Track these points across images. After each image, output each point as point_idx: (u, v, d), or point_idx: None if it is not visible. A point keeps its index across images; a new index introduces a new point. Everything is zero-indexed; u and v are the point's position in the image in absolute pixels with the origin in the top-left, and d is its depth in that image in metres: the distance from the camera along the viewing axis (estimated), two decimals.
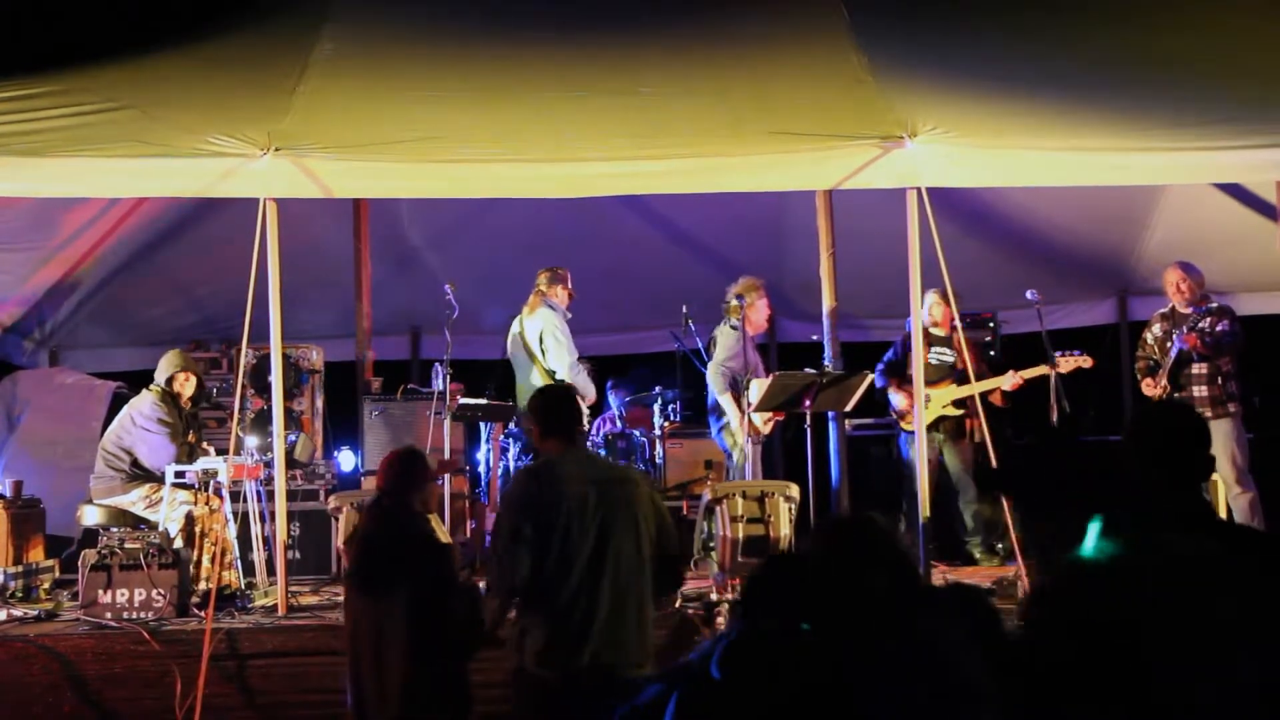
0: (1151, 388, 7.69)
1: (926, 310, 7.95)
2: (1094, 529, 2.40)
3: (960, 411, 7.89)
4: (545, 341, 7.92)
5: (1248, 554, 2.73)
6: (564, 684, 4.05)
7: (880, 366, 8.13)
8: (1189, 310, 7.57)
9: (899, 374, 8.08)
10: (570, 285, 8.12)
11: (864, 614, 2.51)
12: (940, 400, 7.90)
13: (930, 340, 8.00)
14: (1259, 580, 2.52)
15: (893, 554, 2.61)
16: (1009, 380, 7.75)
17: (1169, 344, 7.57)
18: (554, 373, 7.86)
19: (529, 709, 4.15)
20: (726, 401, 7.83)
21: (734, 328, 7.90)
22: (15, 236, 8.78)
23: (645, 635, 4.21)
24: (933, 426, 7.82)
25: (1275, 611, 2.46)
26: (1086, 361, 7.61)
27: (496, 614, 4.22)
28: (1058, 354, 7.58)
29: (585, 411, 8.09)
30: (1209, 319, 7.48)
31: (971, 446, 7.95)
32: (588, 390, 8.00)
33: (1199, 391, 7.48)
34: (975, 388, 7.65)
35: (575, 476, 4.21)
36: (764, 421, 7.79)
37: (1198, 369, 7.50)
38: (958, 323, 7.19)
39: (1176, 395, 7.57)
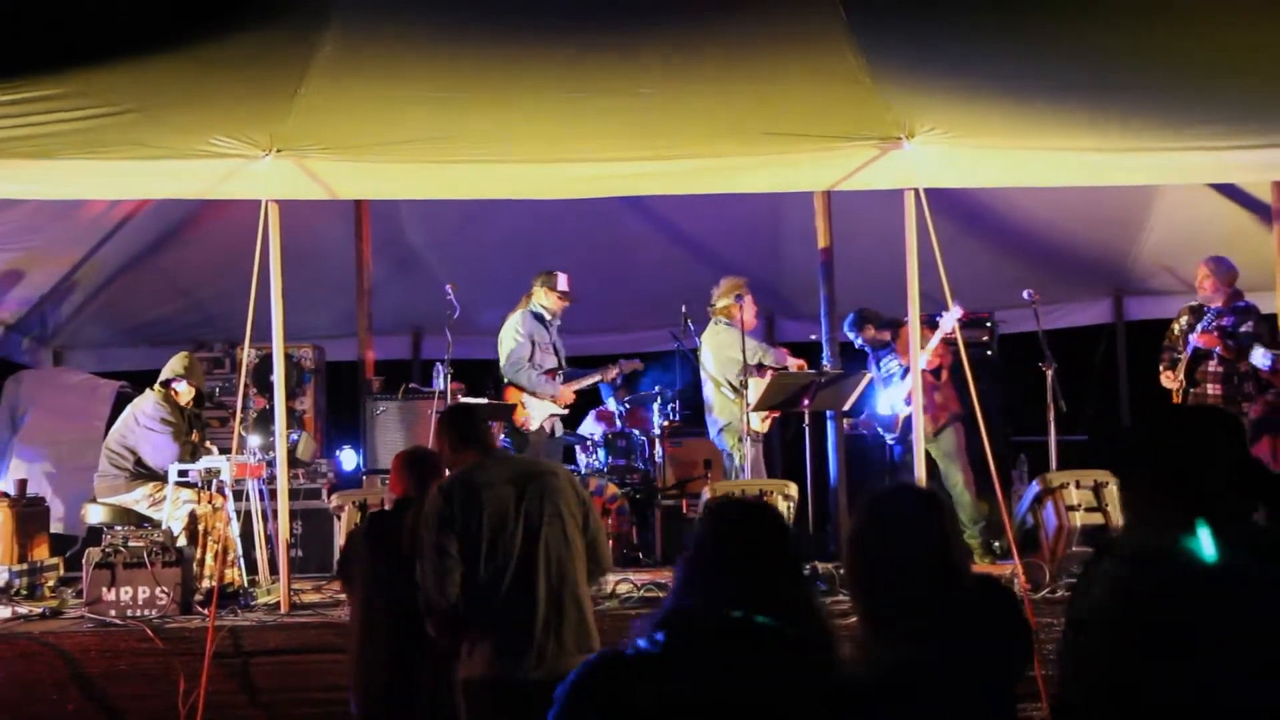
0: (1170, 381, 7.68)
1: (858, 335, 8.02)
2: (1205, 531, 2.31)
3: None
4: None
5: None
6: (514, 687, 4.05)
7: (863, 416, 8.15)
8: (1216, 307, 7.55)
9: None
10: (563, 287, 8.09)
11: (901, 601, 2.44)
12: (899, 403, 7.87)
13: (876, 358, 8.06)
14: None
15: (939, 531, 2.53)
16: (926, 356, 7.55)
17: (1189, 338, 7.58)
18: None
19: (482, 717, 4.14)
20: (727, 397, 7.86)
21: (729, 325, 7.91)
22: (16, 238, 8.79)
23: (586, 621, 4.22)
24: (909, 429, 7.81)
25: None
26: (959, 312, 7.45)
27: (443, 630, 4.20)
28: (938, 315, 7.45)
29: (553, 409, 8.05)
30: (1231, 318, 7.45)
31: (954, 435, 7.92)
32: (535, 387, 7.94)
33: (1212, 389, 7.47)
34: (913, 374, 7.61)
35: (492, 481, 4.22)
36: (762, 420, 7.79)
37: (1214, 366, 7.49)
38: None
39: (1191, 391, 7.57)
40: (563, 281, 8.12)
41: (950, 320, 7.37)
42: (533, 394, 7.97)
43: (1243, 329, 7.44)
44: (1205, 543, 2.31)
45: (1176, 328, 7.84)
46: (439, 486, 4.35)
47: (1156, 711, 2.28)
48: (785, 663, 2.33)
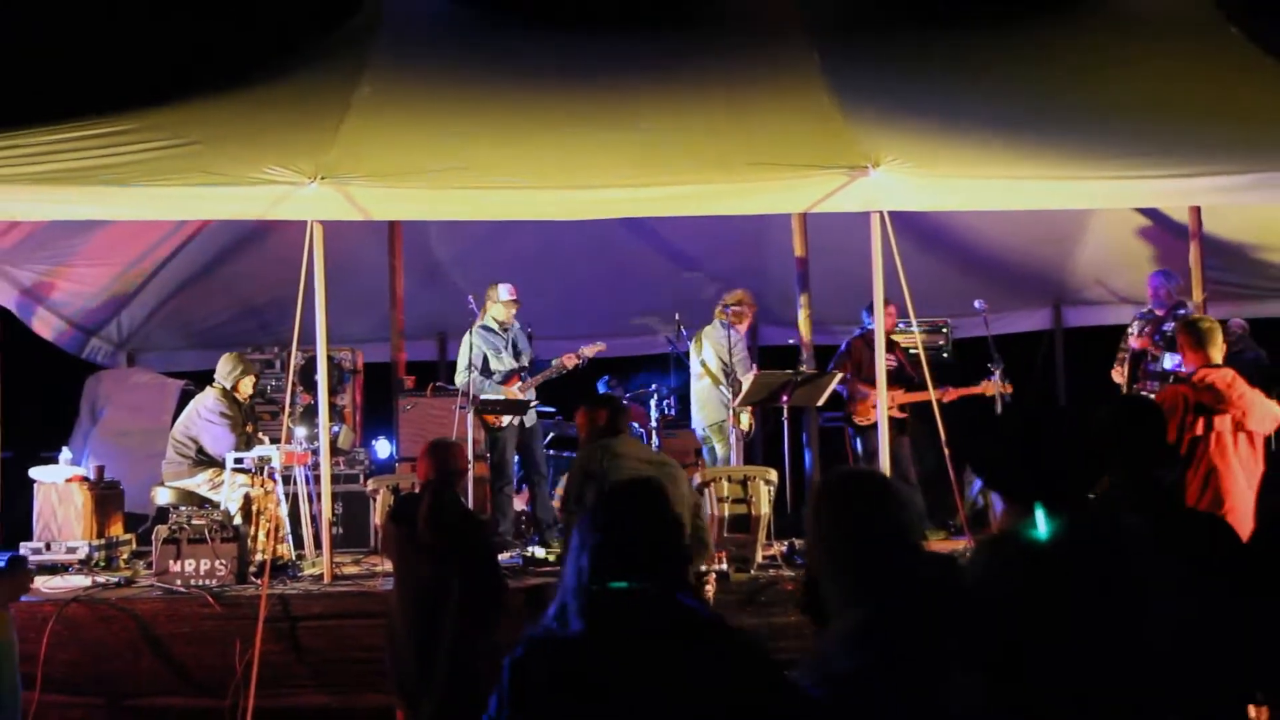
0: (1119, 376, 7.69)
1: (870, 319, 7.93)
2: (1040, 512, 2.36)
3: (904, 415, 7.82)
4: None
5: (1174, 534, 2.72)
6: None
7: (831, 366, 8.00)
8: (1160, 314, 7.56)
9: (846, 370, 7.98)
10: (503, 297, 7.84)
11: (865, 578, 2.42)
12: (889, 401, 7.82)
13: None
14: (1174, 557, 2.50)
15: (895, 513, 2.48)
16: (947, 395, 7.59)
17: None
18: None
19: None
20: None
21: (725, 327, 7.88)
22: (96, 255, 8.81)
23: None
24: (894, 422, 7.81)
25: (1182, 585, 2.45)
26: (1006, 387, 7.59)
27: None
28: (990, 379, 7.56)
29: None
30: (1171, 324, 7.45)
31: (909, 442, 7.90)
32: (479, 391, 7.68)
33: (1151, 385, 7.47)
34: (920, 396, 7.62)
35: (630, 454, 4.39)
36: (749, 419, 7.78)
37: (1153, 366, 7.49)
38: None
39: (1134, 386, 7.57)
40: (503, 292, 7.87)
41: (994, 388, 7.51)
42: (474, 395, 7.69)
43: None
44: (1040, 524, 2.35)
45: (1128, 330, 7.83)
46: (588, 448, 4.48)
47: (1033, 669, 2.31)
48: (668, 621, 2.29)
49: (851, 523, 2.42)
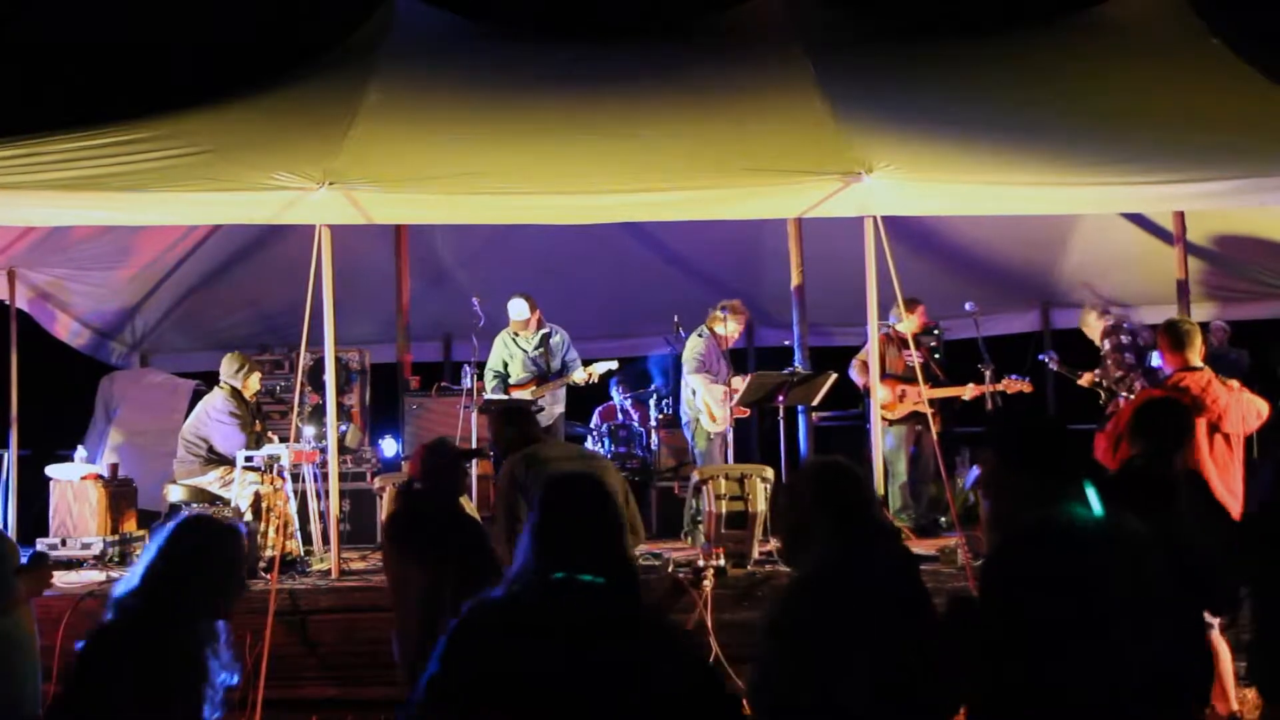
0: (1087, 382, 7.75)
1: (915, 317, 7.87)
2: (1093, 492, 2.46)
3: (931, 410, 7.80)
4: None
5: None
6: None
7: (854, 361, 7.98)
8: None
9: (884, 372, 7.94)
10: (511, 315, 8.23)
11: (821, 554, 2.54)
12: (913, 397, 7.79)
13: (903, 344, 7.95)
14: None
15: (858, 500, 2.70)
16: (969, 392, 7.66)
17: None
18: None
19: None
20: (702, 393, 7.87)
21: (700, 335, 7.91)
22: (110, 259, 8.79)
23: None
24: (910, 418, 7.81)
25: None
26: (1028, 386, 7.61)
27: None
28: (1009, 377, 7.59)
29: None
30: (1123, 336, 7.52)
31: (931, 437, 7.89)
32: (490, 391, 8.09)
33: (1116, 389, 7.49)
34: (948, 392, 7.62)
35: (557, 457, 4.28)
36: (712, 419, 7.79)
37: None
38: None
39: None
40: (510, 310, 8.21)
41: (1015, 385, 7.60)
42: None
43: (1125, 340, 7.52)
44: (1094, 501, 2.46)
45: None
46: (512, 459, 4.40)
47: (1088, 633, 2.38)
48: (603, 611, 2.36)
49: (821, 497, 2.75)
